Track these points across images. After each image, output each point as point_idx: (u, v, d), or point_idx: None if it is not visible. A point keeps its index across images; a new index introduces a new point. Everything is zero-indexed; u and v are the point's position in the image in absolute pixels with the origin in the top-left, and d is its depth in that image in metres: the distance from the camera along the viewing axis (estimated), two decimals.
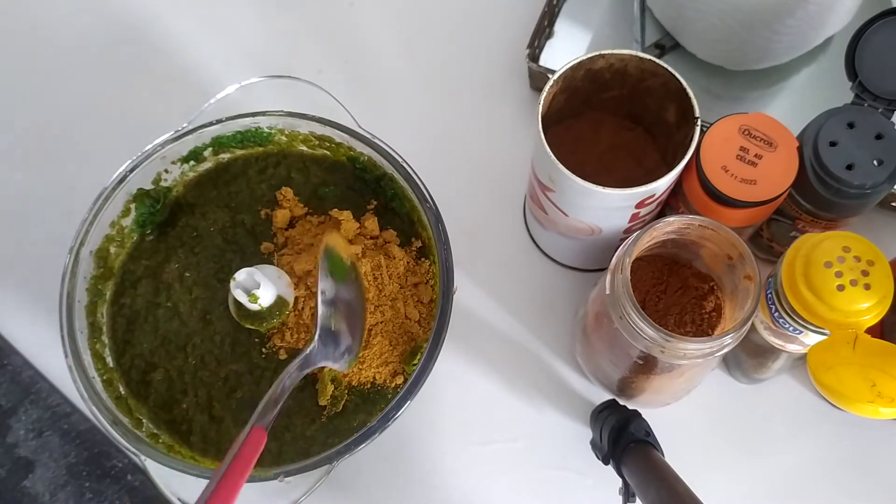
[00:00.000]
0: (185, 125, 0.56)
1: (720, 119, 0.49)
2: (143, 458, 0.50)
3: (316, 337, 0.50)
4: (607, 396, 0.58)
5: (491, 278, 0.63)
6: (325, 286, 0.51)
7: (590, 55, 0.49)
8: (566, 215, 0.53)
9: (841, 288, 0.42)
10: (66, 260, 0.53)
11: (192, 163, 0.58)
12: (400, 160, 0.55)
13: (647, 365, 0.49)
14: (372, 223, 0.56)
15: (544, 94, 0.48)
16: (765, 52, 0.60)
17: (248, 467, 0.43)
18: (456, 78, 0.69)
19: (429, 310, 0.55)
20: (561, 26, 0.67)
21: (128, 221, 0.57)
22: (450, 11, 0.71)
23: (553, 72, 0.49)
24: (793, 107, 0.64)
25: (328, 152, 0.59)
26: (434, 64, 0.70)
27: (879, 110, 0.50)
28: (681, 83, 0.48)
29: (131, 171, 0.55)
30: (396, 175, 0.55)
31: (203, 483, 0.42)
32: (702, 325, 0.52)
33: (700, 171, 0.49)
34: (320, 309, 0.51)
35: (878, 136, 0.48)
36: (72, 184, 0.67)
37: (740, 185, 0.48)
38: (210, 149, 0.58)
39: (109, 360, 0.55)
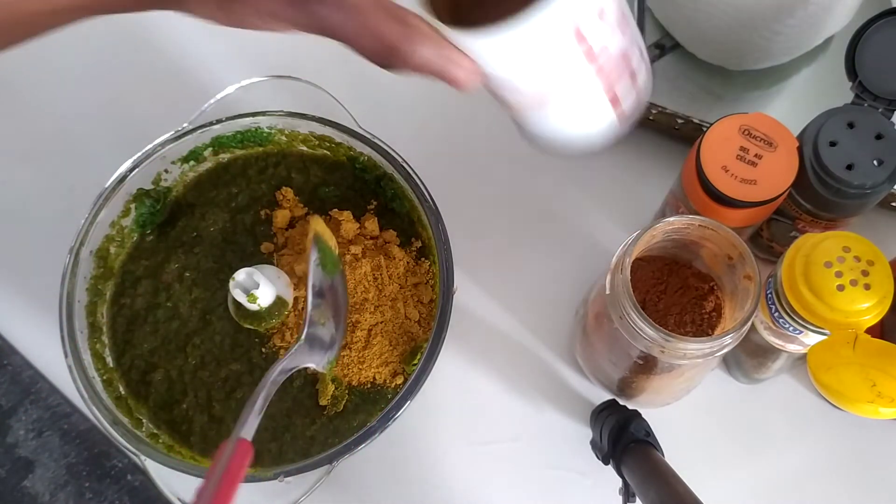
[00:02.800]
0: (185, 125, 0.56)
1: (720, 119, 0.49)
2: (143, 458, 0.50)
3: (303, 335, 0.47)
4: (607, 396, 0.58)
5: (491, 278, 0.63)
6: (316, 279, 0.47)
7: None
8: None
9: (841, 288, 0.42)
10: (66, 260, 0.53)
11: (192, 163, 0.58)
12: (400, 160, 0.54)
13: (647, 365, 0.49)
14: (372, 223, 0.56)
15: None
16: (765, 52, 0.60)
17: (235, 485, 0.38)
18: None
19: (429, 310, 0.55)
20: None
21: (128, 221, 0.57)
22: None
23: None
24: (793, 107, 0.64)
25: (328, 152, 0.59)
26: None
27: (879, 110, 0.50)
28: None
29: (131, 171, 0.55)
30: (396, 175, 0.55)
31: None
32: (702, 325, 0.52)
33: (700, 171, 0.49)
34: (310, 303, 0.47)
35: (878, 136, 0.48)
36: (72, 184, 0.67)
37: (740, 185, 0.48)
38: (210, 149, 0.58)
39: (109, 360, 0.55)
